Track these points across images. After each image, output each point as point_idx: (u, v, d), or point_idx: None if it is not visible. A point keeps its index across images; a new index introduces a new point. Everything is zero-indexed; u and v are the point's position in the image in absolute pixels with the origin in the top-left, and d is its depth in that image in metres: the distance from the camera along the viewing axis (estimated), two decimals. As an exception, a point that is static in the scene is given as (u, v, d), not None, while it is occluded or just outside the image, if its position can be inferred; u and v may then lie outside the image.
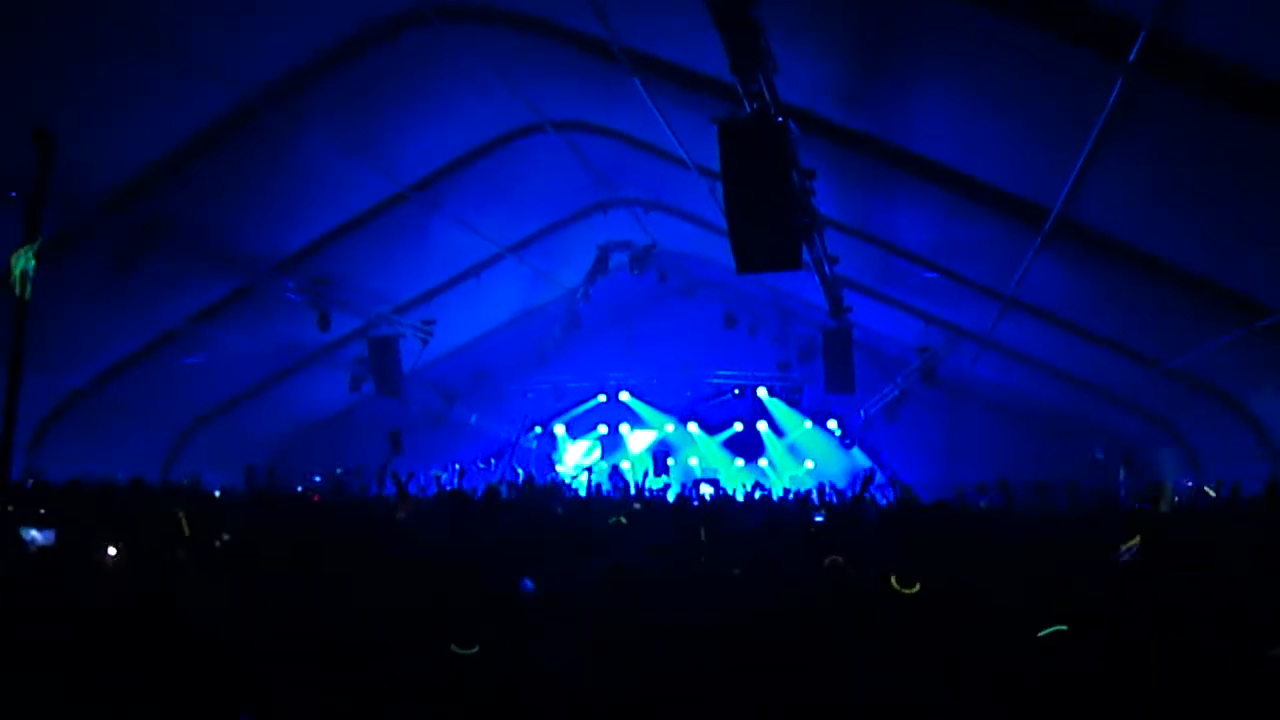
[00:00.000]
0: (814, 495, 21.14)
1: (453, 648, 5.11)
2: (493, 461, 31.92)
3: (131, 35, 12.69)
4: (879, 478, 16.67)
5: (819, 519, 11.43)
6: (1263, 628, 4.60)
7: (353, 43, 14.70)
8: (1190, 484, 19.61)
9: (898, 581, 5.42)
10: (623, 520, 10.60)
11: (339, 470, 24.70)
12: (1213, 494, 16.94)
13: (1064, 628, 4.86)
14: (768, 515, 14.26)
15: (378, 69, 15.22)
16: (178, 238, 16.61)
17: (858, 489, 12.57)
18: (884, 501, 20.31)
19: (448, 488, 22.12)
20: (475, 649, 5.09)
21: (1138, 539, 5.46)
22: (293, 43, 14.50)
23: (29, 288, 7.36)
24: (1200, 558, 6.19)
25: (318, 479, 24.25)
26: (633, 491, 21.78)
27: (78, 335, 18.51)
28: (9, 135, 13.66)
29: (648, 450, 32.66)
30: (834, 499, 19.60)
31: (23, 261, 7.22)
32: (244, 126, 15.26)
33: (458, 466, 28.76)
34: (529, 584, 6.76)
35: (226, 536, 9.26)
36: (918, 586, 5.35)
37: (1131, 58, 9.62)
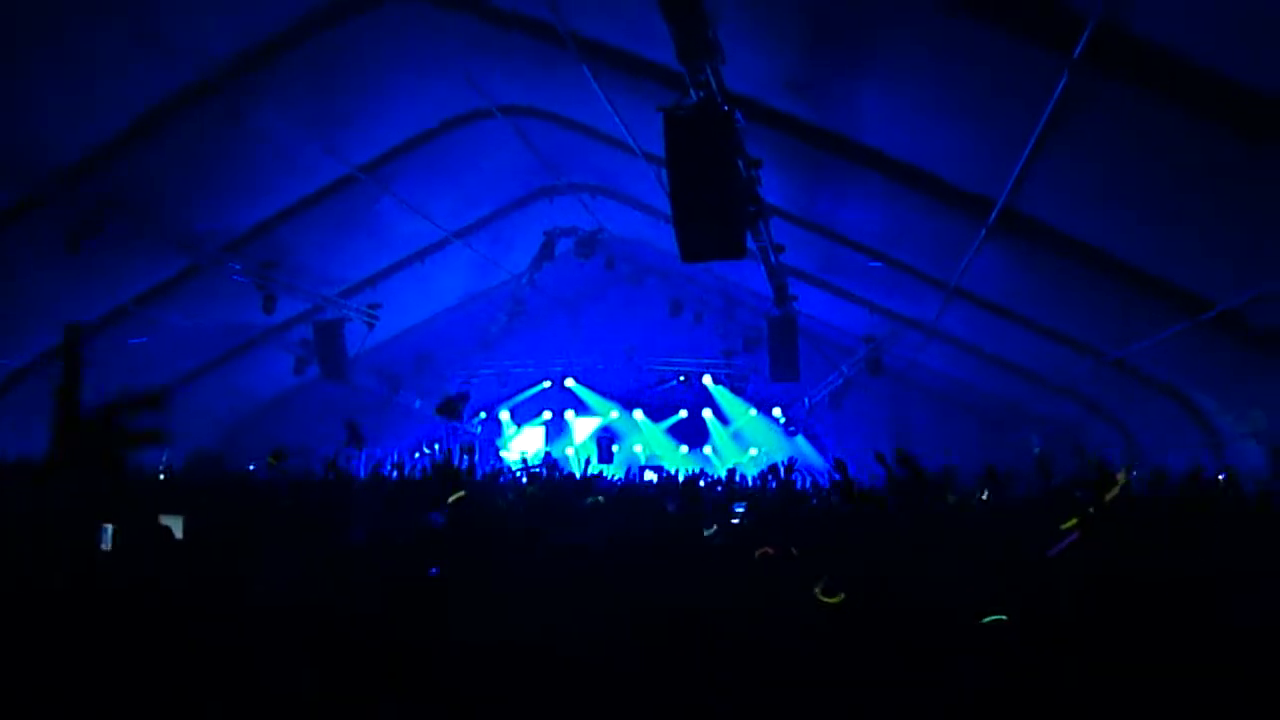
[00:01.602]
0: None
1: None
2: (436, 446, 31.76)
3: (88, 5, 12.52)
4: (800, 465, 16.66)
5: (739, 509, 11.24)
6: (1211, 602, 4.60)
7: (306, 23, 14.54)
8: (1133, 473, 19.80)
9: (822, 592, 5.33)
10: (600, 500, 10.44)
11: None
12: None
13: (1004, 617, 4.83)
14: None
15: (330, 49, 15.03)
16: (129, 216, 16.38)
17: (782, 476, 12.35)
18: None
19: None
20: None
21: (1074, 524, 5.38)
22: (248, 20, 14.33)
23: None
24: (1149, 537, 6.16)
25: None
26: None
27: (22, 314, 18.25)
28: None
29: (592, 437, 32.69)
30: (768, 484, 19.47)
31: None
32: (197, 103, 15.01)
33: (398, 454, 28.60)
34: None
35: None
36: (841, 597, 5.27)
37: (1078, 51, 9.69)
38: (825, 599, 5.21)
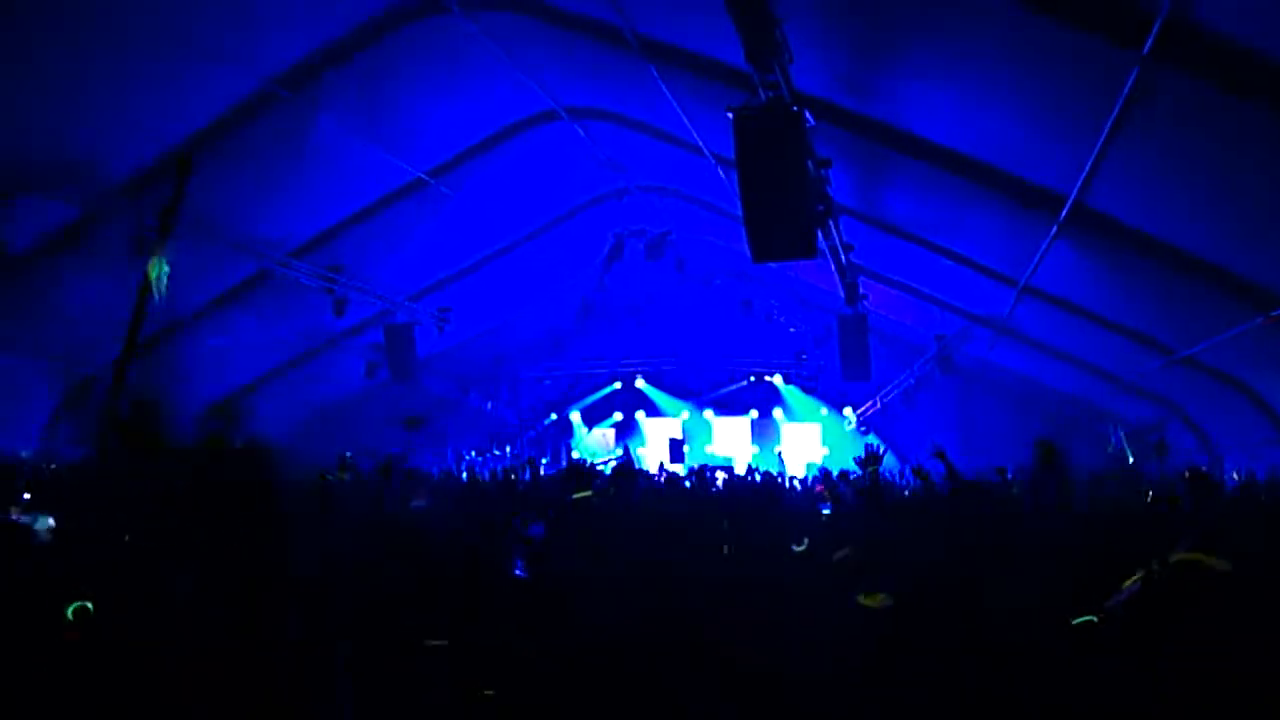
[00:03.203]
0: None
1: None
2: (507, 448, 31.98)
3: (148, 22, 12.71)
4: (890, 463, 16.54)
5: (826, 510, 11.21)
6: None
7: (369, 29, 14.73)
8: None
9: (864, 596, 5.29)
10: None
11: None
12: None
13: (1094, 618, 4.77)
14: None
15: (394, 55, 15.25)
16: (194, 224, 16.65)
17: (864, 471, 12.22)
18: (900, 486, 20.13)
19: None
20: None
21: (1139, 576, 5.05)
22: (309, 30, 14.53)
23: (163, 288, 8.39)
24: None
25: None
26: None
27: (94, 321, 18.56)
28: (27, 124, 13.90)
29: (664, 437, 32.75)
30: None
31: (158, 269, 8.21)
32: (261, 113, 15.28)
33: (472, 453, 28.84)
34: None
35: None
36: (882, 598, 5.23)
37: (1147, 46, 9.61)
38: (867, 602, 5.19)
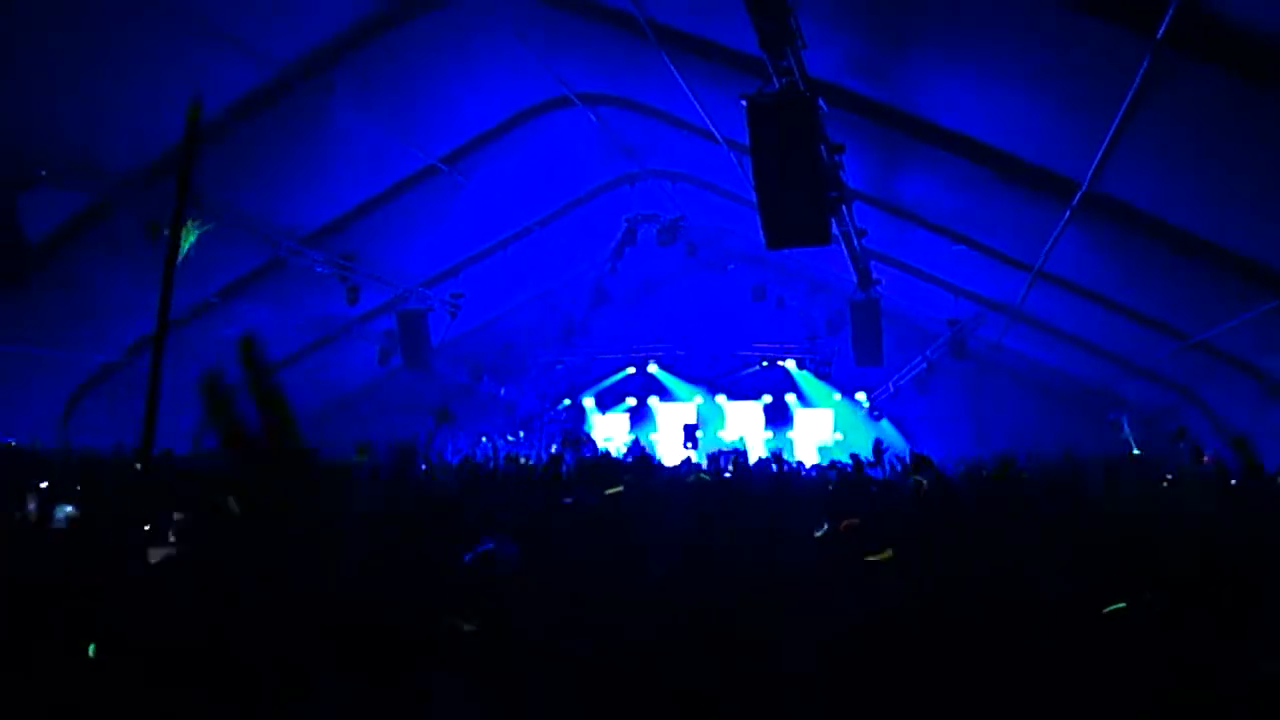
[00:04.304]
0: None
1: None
2: (521, 434, 32.02)
3: (161, 8, 12.76)
4: (896, 449, 16.61)
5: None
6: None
7: (382, 17, 14.76)
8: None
9: (868, 552, 5.30)
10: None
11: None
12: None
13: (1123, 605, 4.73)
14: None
15: (408, 42, 15.27)
16: (208, 211, 16.69)
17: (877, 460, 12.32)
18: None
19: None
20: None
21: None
22: (323, 17, 14.57)
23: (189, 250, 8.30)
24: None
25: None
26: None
27: (109, 308, 18.64)
28: (39, 114, 13.95)
29: (677, 423, 32.77)
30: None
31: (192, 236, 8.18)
32: (275, 101, 15.32)
33: (485, 439, 28.87)
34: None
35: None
36: (889, 553, 5.23)
37: (1161, 31, 9.60)
38: (872, 557, 5.21)
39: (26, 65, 12.85)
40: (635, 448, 25.29)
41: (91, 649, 3.35)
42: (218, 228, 17.39)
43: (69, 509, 8.25)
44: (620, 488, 7.32)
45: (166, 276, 3.09)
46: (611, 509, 7.64)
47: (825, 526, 8.60)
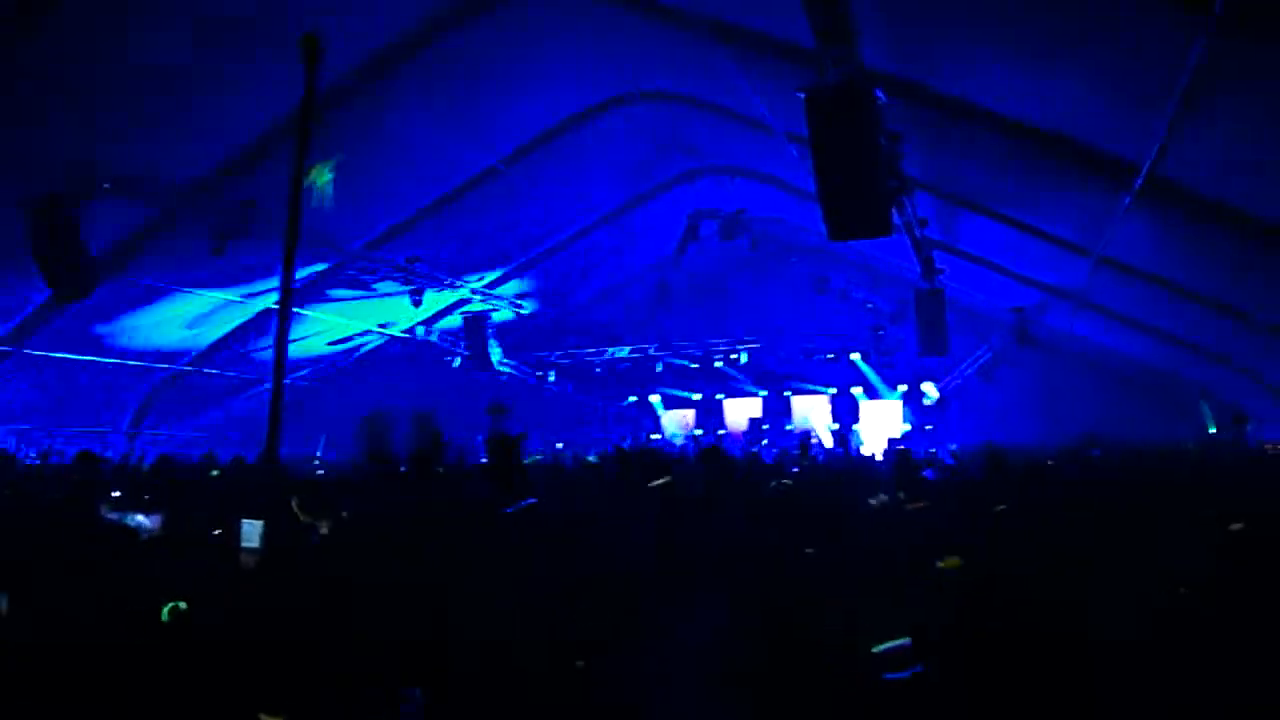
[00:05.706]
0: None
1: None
2: (588, 431, 32.26)
3: (224, 19, 13.04)
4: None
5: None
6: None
7: (443, 18, 14.96)
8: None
9: (943, 561, 5.39)
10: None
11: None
12: None
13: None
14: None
15: (469, 44, 15.47)
16: (271, 218, 16.94)
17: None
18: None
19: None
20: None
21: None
22: (386, 21, 14.78)
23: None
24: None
25: None
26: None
27: (176, 317, 19.06)
28: (100, 129, 14.26)
29: (744, 417, 32.86)
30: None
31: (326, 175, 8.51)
32: (335, 106, 15.53)
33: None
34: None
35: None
36: (956, 560, 5.30)
37: (1218, 9, 9.58)
38: (945, 565, 5.32)
39: (87, 78, 13.14)
40: (705, 440, 25.42)
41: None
42: (277, 233, 17.69)
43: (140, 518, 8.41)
44: (668, 478, 7.43)
45: (284, 285, 3.27)
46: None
47: (884, 497, 8.70)
